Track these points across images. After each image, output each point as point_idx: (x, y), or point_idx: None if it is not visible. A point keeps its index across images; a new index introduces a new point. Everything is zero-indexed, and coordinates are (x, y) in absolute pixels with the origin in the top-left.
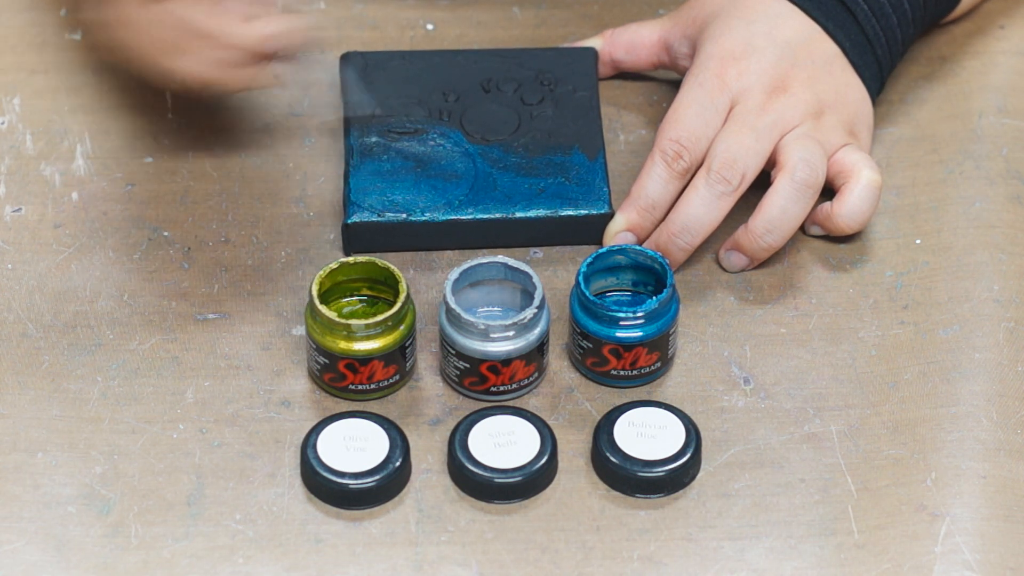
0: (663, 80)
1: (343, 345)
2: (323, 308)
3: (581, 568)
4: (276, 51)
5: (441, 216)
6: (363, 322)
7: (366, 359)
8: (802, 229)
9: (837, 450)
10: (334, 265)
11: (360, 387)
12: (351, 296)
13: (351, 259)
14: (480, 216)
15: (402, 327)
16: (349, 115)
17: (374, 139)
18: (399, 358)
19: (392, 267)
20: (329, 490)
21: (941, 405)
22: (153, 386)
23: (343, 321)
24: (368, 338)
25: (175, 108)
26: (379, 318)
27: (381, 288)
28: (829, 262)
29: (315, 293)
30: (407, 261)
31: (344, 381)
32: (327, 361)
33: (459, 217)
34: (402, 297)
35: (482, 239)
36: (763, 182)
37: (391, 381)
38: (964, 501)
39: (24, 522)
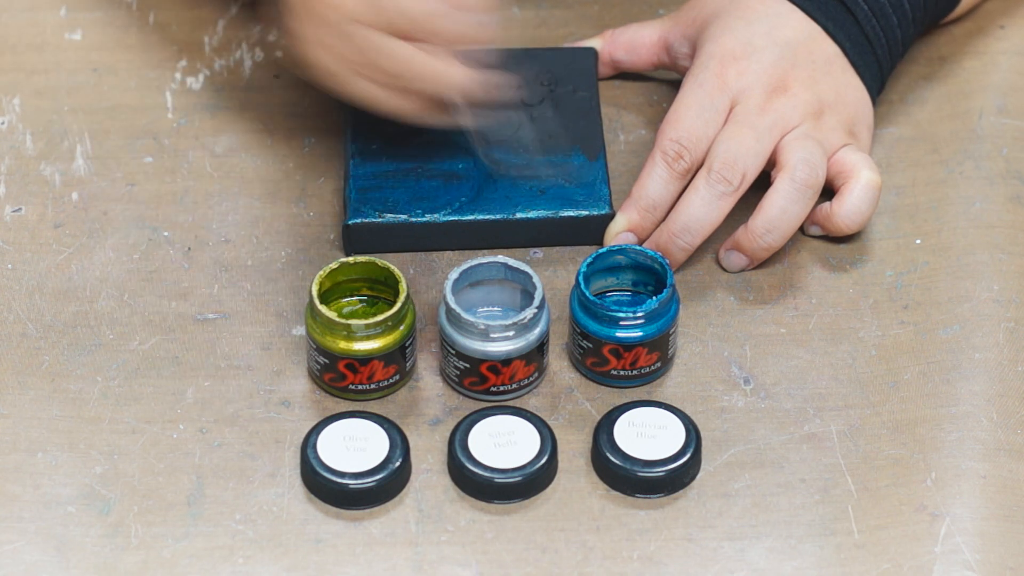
0: (663, 80)
1: (343, 345)
2: (323, 308)
3: (581, 568)
4: (461, 99)
5: (442, 217)
6: (363, 322)
7: (366, 359)
8: (802, 229)
9: (837, 450)
10: (334, 265)
11: (360, 387)
12: (351, 296)
13: (351, 259)
14: (481, 217)
15: (402, 327)
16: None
17: (375, 140)
18: (399, 358)
19: (392, 267)
20: (329, 490)
21: (941, 405)
22: (153, 386)
23: (343, 321)
24: (368, 338)
25: (175, 108)
26: (379, 318)
27: (381, 288)
28: (829, 262)
29: (315, 293)
30: (407, 261)
31: (344, 381)
32: (327, 361)
33: (460, 218)
34: (402, 297)
35: (483, 240)
36: (763, 182)
37: (391, 381)
38: (964, 501)
39: (24, 522)
